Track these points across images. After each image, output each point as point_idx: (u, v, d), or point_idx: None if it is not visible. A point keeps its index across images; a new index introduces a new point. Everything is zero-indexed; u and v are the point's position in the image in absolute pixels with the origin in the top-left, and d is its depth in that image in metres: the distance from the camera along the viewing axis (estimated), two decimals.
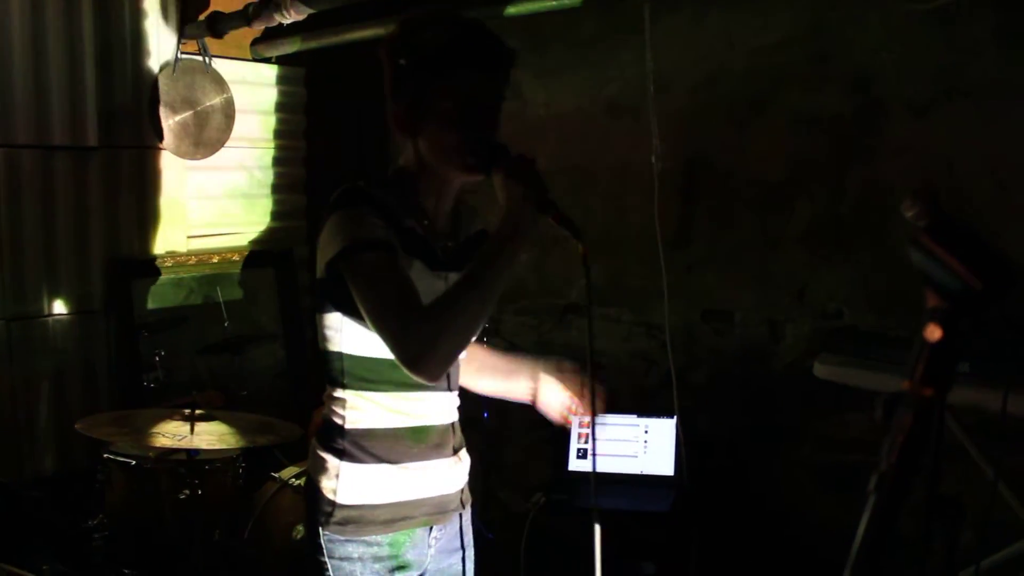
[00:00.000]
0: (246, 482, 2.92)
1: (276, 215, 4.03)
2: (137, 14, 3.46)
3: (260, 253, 3.95)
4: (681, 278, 3.36)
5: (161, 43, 3.53)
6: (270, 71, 3.95)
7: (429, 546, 1.72)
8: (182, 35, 3.55)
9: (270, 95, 3.97)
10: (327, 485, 1.65)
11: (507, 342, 1.58)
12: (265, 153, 3.99)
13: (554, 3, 2.92)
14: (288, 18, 3.18)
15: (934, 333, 0.76)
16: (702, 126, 3.40)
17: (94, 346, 3.39)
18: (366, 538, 1.64)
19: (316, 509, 1.66)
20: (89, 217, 3.36)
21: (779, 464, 3.31)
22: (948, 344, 0.76)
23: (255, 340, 3.86)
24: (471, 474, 1.82)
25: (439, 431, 1.71)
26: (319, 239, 1.59)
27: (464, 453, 1.80)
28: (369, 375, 1.62)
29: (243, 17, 3.33)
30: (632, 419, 3.26)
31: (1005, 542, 2.49)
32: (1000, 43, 2.82)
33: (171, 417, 2.64)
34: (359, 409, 1.64)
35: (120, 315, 3.44)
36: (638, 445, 3.24)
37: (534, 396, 1.83)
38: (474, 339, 1.56)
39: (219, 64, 3.70)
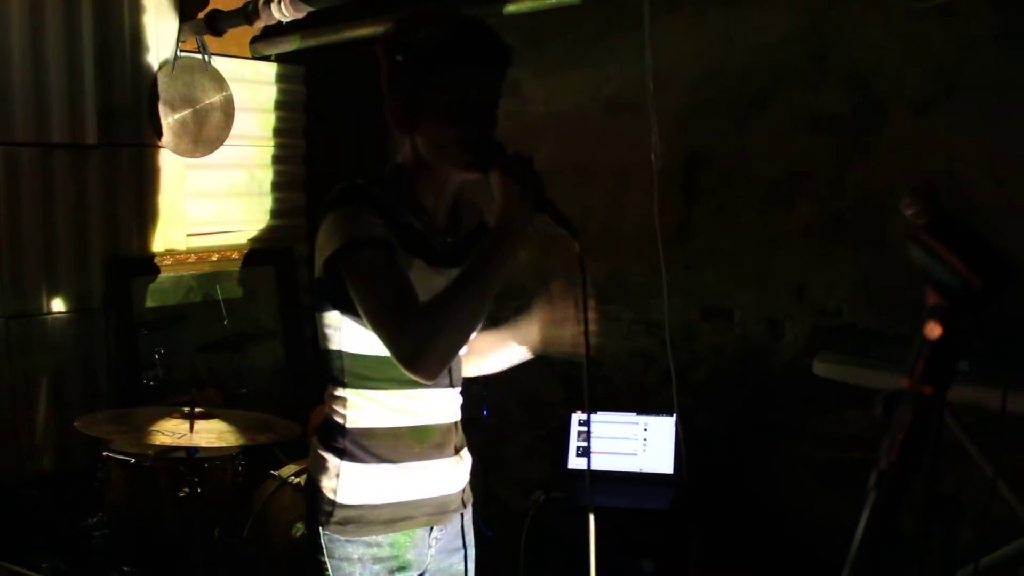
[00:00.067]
0: (245, 480, 2.92)
1: (275, 213, 4.03)
2: (136, 12, 3.45)
3: (259, 251, 3.94)
4: (681, 276, 3.36)
5: (160, 41, 3.52)
6: (269, 69, 3.95)
7: (430, 546, 1.71)
8: (181, 33, 3.54)
9: (269, 93, 3.96)
10: (327, 485, 1.64)
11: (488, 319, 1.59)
12: (264, 151, 3.98)
13: (554, 1, 2.92)
14: (287, 16, 3.17)
15: (934, 330, 0.76)
16: (702, 124, 3.40)
17: (93, 344, 3.39)
18: (366, 538, 1.63)
19: (316, 509, 1.65)
20: (88, 215, 3.36)
21: (778, 462, 3.31)
22: (948, 342, 0.76)
23: (254, 338, 3.86)
24: (471, 472, 1.82)
25: (441, 430, 1.70)
26: (317, 237, 1.59)
27: (466, 452, 1.79)
28: (370, 373, 1.62)
29: (242, 15, 3.32)
30: (632, 417, 3.26)
31: (1004, 540, 2.49)
32: (1000, 41, 2.82)
33: (170, 415, 2.64)
34: (360, 408, 1.64)
35: (119, 313, 3.44)
36: (638, 443, 3.24)
37: (533, 346, 1.79)
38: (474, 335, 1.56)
39: (218, 62, 3.70)
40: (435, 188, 1.66)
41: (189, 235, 3.71)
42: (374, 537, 1.64)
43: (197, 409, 2.64)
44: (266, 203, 4.00)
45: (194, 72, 3.60)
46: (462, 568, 1.79)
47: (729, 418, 3.41)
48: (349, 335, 1.61)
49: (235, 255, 3.84)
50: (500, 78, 1.61)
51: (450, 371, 1.69)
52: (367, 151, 3.94)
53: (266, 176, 4.00)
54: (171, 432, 2.53)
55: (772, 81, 3.25)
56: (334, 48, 3.54)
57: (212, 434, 2.56)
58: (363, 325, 1.55)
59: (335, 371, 1.65)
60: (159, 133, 3.50)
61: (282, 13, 3.16)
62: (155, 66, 3.51)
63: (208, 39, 3.60)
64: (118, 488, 2.82)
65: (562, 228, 1.53)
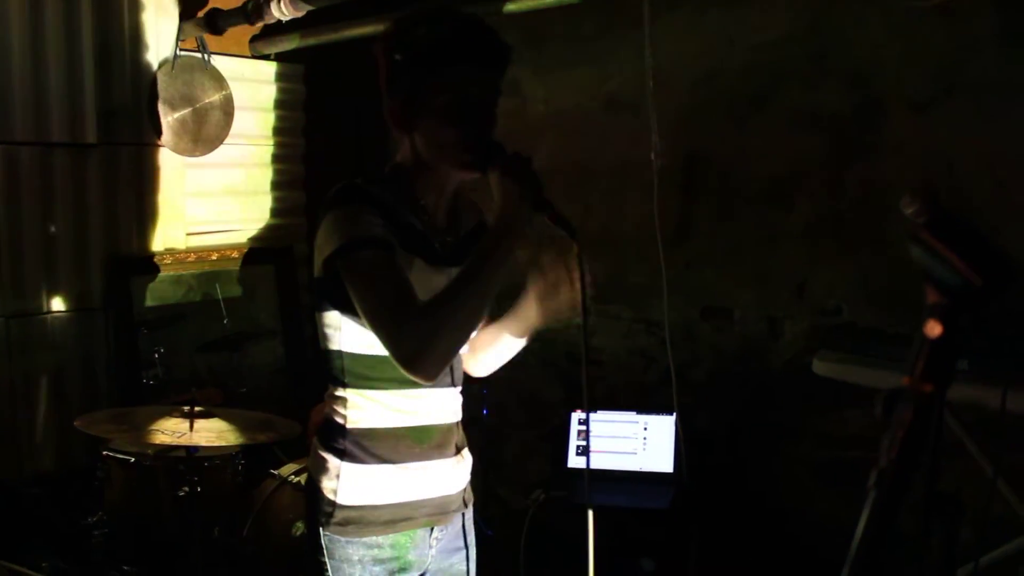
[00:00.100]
0: (245, 479, 2.92)
1: (275, 212, 4.03)
2: (136, 11, 3.45)
3: (259, 250, 3.94)
4: (680, 275, 3.36)
5: (160, 40, 3.52)
6: (269, 68, 3.95)
7: (430, 547, 1.71)
8: (181, 32, 3.54)
9: (269, 92, 3.96)
10: (328, 485, 1.64)
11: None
12: (264, 150, 3.98)
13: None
14: (287, 15, 3.17)
15: (934, 329, 0.76)
16: (702, 123, 3.40)
17: (93, 343, 3.39)
18: (366, 539, 1.63)
19: (317, 509, 1.65)
20: (88, 214, 3.36)
21: (778, 461, 3.31)
22: (948, 340, 0.76)
23: (254, 337, 3.86)
24: (471, 472, 1.81)
25: (441, 430, 1.70)
26: (316, 237, 1.59)
27: (466, 452, 1.79)
28: (370, 373, 1.62)
29: (242, 14, 3.32)
30: (631, 416, 3.26)
31: (1004, 539, 2.49)
32: (1000, 41, 2.82)
33: (170, 414, 2.64)
34: (360, 408, 1.64)
35: (119, 312, 3.44)
36: (637, 442, 3.24)
37: (535, 323, 1.72)
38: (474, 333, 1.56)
39: (218, 61, 3.70)
40: (435, 187, 1.66)
41: (189, 234, 3.71)
42: (374, 538, 1.64)
43: (197, 408, 2.64)
44: (266, 202, 4.00)
45: (194, 71, 3.60)
46: (463, 568, 1.79)
47: (729, 417, 3.41)
48: (349, 335, 1.60)
49: (235, 254, 3.84)
50: (499, 77, 1.61)
51: (451, 370, 1.69)
52: (367, 150, 3.94)
53: (266, 175, 4.00)
54: (171, 431, 2.53)
55: (772, 80, 3.24)
56: (333, 47, 3.54)
57: (212, 433, 2.56)
58: (363, 325, 1.55)
59: (335, 371, 1.65)
60: (159, 132, 3.50)
61: (281, 12, 3.16)
62: (155, 65, 3.51)
63: (208, 38, 3.60)
64: (118, 487, 2.82)
65: (561, 229, 1.53)
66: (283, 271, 4.01)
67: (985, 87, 2.84)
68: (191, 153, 3.62)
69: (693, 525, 3.04)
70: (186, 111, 3.57)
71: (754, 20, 3.26)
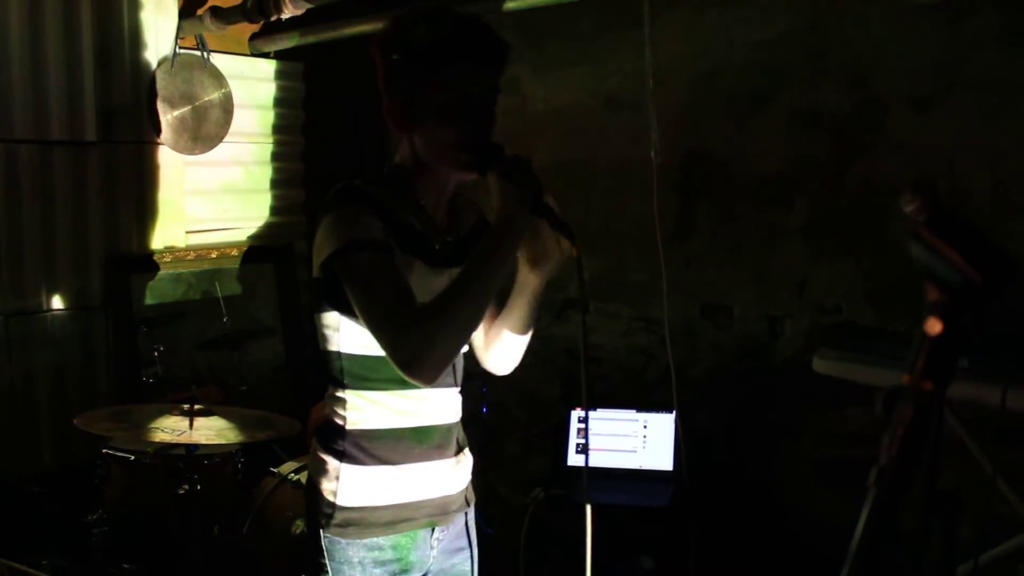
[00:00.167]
0: (245, 477, 2.92)
1: (275, 210, 4.03)
2: (135, 9, 3.45)
3: (259, 248, 3.94)
4: (680, 273, 3.36)
5: (159, 38, 3.52)
6: (268, 66, 3.95)
7: (432, 547, 1.70)
8: (180, 30, 3.54)
9: (268, 90, 3.96)
10: (327, 487, 1.63)
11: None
12: (263, 148, 3.98)
13: None
14: (286, 13, 3.17)
15: (934, 327, 0.76)
16: (701, 121, 3.40)
17: (93, 341, 3.39)
18: (367, 541, 1.62)
19: (316, 511, 1.64)
20: (88, 212, 3.36)
21: (778, 459, 3.32)
22: (949, 338, 0.76)
23: (254, 335, 3.86)
24: (472, 471, 1.81)
25: (442, 431, 1.69)
26: (315, 238, 1.58)
27: (467, 452, 1.78)
28: (369, 374, 1.61)
29: (241, 12, 3.32)
30: (631, 414, 3.26)
31: (1004, 537, 2.49)
32: (1000, 39, 2.81)
33: (170, 412, 2.64)
34: (360, 409, 1.63)
35: (119, 310, 3.44)
36: (637, 440, 3.24)
37: (537, 278, 1.64)
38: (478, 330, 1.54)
39: (217, 59, 3.70)
40: (434, 188, 1.65)
41: (188, 232, 3.71)
42: (375, 539, 1.63)
43: (197, 406, 2.64)
44: (265, 200, 4.00)
45: (193, 69, 3.60)
46: (466, 568, 1.78)
47: (729, 415, 3.41)
48: (347, 336, 1.60)
49: (234, 252, 3.84)
50: (498, 76, 1.60)
51: (453, 370, 1.68)
52: (366, 147, 3.94)
53: (265, 173, 4.00)
54: (171, 429, 2.53)
55: (772, 79, 3.24)
56: (333, 45, 3.54)
57: (212, 431, 2.56)
58: (362, 326, 1.54)
59: (334, 372, 1.64)
60: (158, 130, 3.50)
61: (281, 10, 3.15)
62: (154, 63, 3.51)
63: (207, 36, 3.60)
64: (118, 485, 2.82)
65: (560, 232, 1.52)
66: (283, 269, 4.01)
67: (985, 85, 2.83)
68: (190, 151, 3.62)
69: (693, 523, 3.04)
70: (185, 109, 3.57)
71: (754, 18, 3.26)
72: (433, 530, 1.70)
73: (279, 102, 4.00)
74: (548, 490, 3.07)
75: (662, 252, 3.06)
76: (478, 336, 1.76)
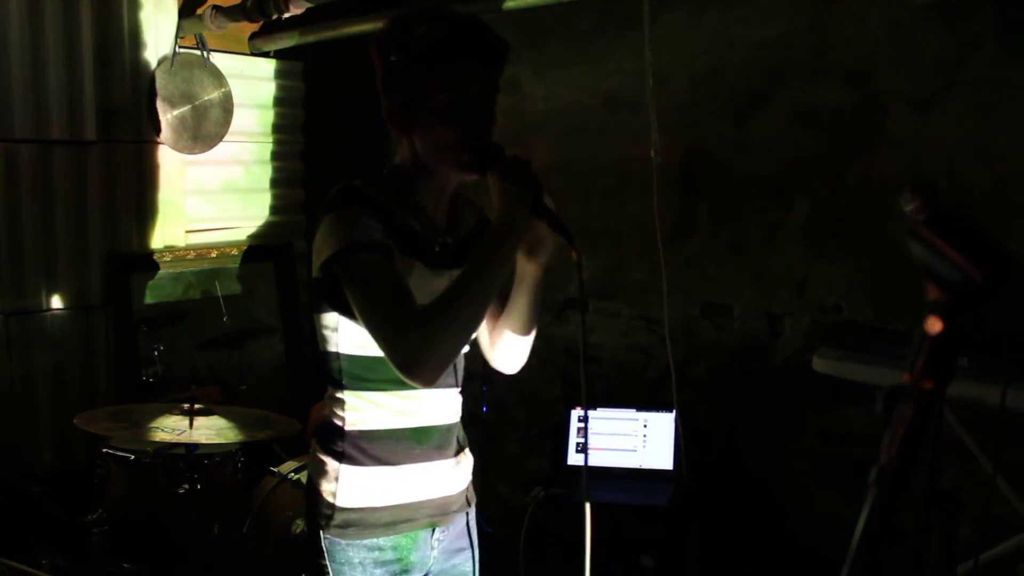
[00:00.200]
0: (245, 477, 2.92)
1: (274, 209, 4.03)
2: (135, 8, 3.45)
3: (259, 247, 3.94)
4: (680, 272, 3.36)
5: (159, 37, 3.52)
6: (268, 65, 3.94)
7: (432, 548, 1.70)
8: (180, 29, 3.54)
9: (268, 89, 3.96)
10: (326, 488, 1.63)
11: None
12: (263, 147, 3.98)
13: None
14: (286, 12, 3.17)
15: (935, 326, 0.76)
16: (701, 120, 3.40)
17: (93, 341, 3.39)
18: (367, 541, 1.62)
19: (316, 512, 1.64)
20: (87, 212, 3.36)
21: (778, 458, 3.32)
22: (949, 337, 0.76)
23: (254, 334, 3.86)
24: (472, 471, 1.81)
25: (441, 431, 1.69)
26: (315, 239, 1.57)
27: (467, 452, 1.78)
28: (367, 375, 1.60)
29: (241, 11, 3.32)
30: (631, 413, 3.26)
31: (1003, 536, 2.49)
32: (1000, 38, 2.81)
33: (170, 412, 2.64)
34: (359, 410, 1.63)
35: (119, 310, 3.44)
36: (637, 439, 3.24)
37: (536, 267, 1.64)
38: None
39: (217, 58, 3.70)
40: (434, 189, 1.65)
41: (188, 231, 3.71)
42: (375, 540, 1.62)
43: (197, 406, 2.64)
44: (265, 199, 4.00)
45: (193, 68, 3.60)
46: (467, 569, 1.77)
47: (729, 415, 3.41)
48: (346, 336, 1.59)
49: (234, 251, 3.84)
50: (497, 75, 1.60)
51: (454, 370, 1.67)
52: (366, 147, 3.94)
53: (265, 172, 4.00)
54: (171, 429, 2.53)
55: (772, 78, 3.24)
56: (333, 44, 3.54)
57: (212, 431, 2.56)
58: (360, 326, 1.54)
59: (333, 373, 1.64)
60: (158, 129, 3.50)
61: (281, 9, 3.15)
62: (154, 62, 3.51)
63: (207, 35, 3.60)
64: (118, 485, 2.82)
65: (559, 234, 1.52)
66: (282, 268, 4.01)
67: (985, 84, 2.83)
68: (190, 150, 3.62)
69: (693, 522, 3.04)
70: (185, 108, 3.56)
71: (754, 17, 3.26)
72: (434, 530, 1.70)
73: (279, 101, 4.00)
74: (548, 489, 3.07)
75: (662, 251, 3.06)
76: (484, 336, 1.76)
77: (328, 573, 1.63)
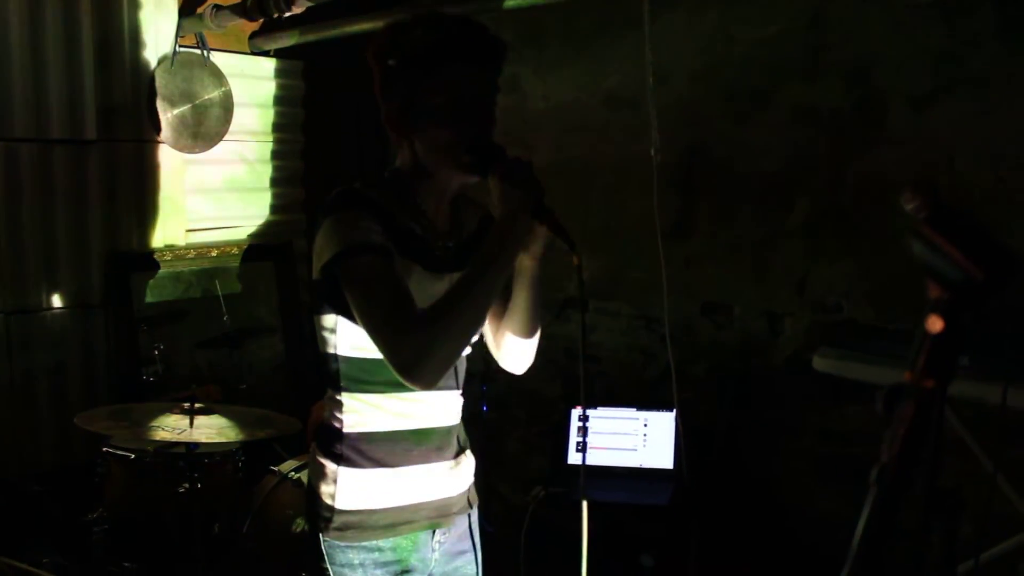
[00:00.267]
0: (245, 476, 2.92)
1: (275, 208, 4.02)
2: (135, 7, 3.45)
3: (259, 247, 3.94)
4: (680, 271, 3.36)
5: (159, 36, 3.52)
6: (268, 64, 3.94)
7: (433, 550, 1.69)
8: (180, 28, 3.54)
9: (268, 88, 3.96)
10: (325, 490, 1.63)
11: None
12: (263, 146, 3.98)
13: None
14: (286, 11, 3.17)
15: (936, 324, 0.76)
16: (701, 119, 3.40)
17: (93, 340, 3.39)
18: (367, 543, 1.62)
19: (316, 515, 1.64)
20: (88, 211, 3.35)
21: (778, 457, 3.31)
22: (950, 336, 0.76)
23: (254, 334, 3.86)
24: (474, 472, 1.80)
25: (441, 433, 1.68)
26: (315, 242, 1.57)
27: (468, 454, 1.77)
28: (366, 377, 1.60)
29: (241, 10, 3.32)
30: (631, 412, 3.26)
31: (1004, 535, 2.49)
32: (1000, 36, 2.81)
33: (170, 411, 2.64)
34: (357, 412, 1.62)
35: (119, 309, 3.44)
36: (637, 438, 3.24)
37: (533, 261, 1.64)
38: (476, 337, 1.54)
39: (217, 57, 3.69)
40: (435, 192, 1.64)
41: (188, 231, 3.71)
42: (375, 542, 1.62)
43: (197, 405, 2.64)
44: (265, 198, 4.00)
45: (193, 67, 3.60)
46: (470, 571, 1.77)
47: (729, 414, 3.41)
48: (345, 338, 1.59)
49: (234, 250, 3.84)
50: (496, 75, 1.59)
51: (455, 372, 1.67)
52: (366, 146, 3.94)
53: (265, 171, 3.99)
54: (171, 428, 2.53)
55: (772, 76, 3.24)
56: (333, 43, 3.53)
57: (212, 430, 2.56)
58: (359, 328, 1.54)
59: (332, 374, 1.64)
60: (158, 129, 3.50)
61: (281, 8, 3.15)
62: (154, 62, 3.51)
63: (207, 34, 3.60)
64: (118, 484, 2.82)
65: (560, 238, 1.51)
66: (283, 267, 4.01)
67: (985, 82, 2.83)
68: (190, 149, 3.62)
69: (693, 521, 3.04)
70: (185, 107, 3.56)
71: (754, 16, 3.26)
72: (434, 532, 1.69)
73: (279, 100, 4.00)
74: (548, 488, 3.07)
75: (662, 250, 3.06)
76: (489, 338, 1.75)
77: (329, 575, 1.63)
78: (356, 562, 1.61)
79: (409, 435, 1.64)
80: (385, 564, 1.63)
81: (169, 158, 3.60)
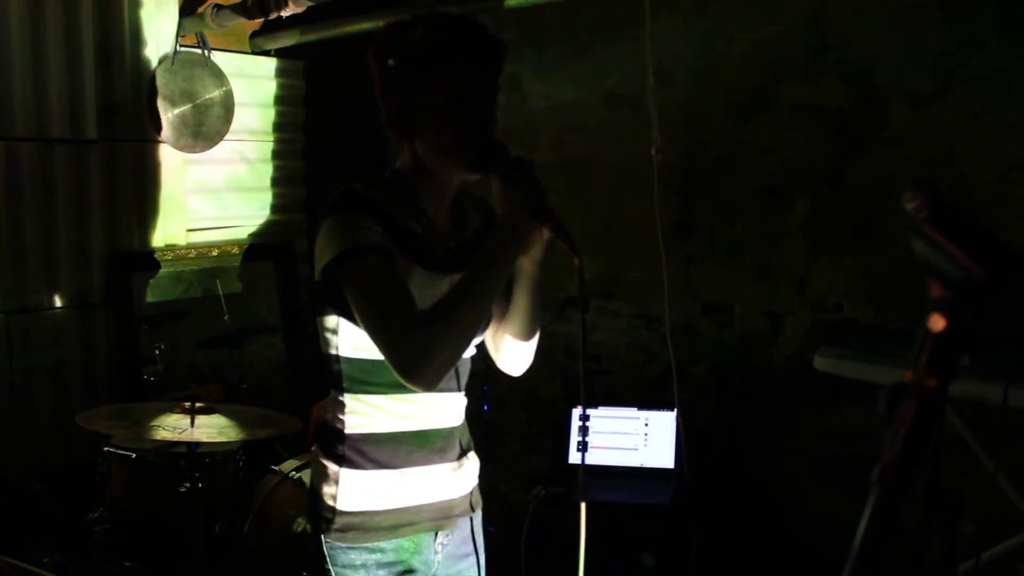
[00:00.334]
0: (246, 475, 2.92)
1: (275, 208, 4.02)
2: (136, 7, 3.45)
3: (259, 246, 3.94)
4: (681, 270, 3.36)
5: (160, 36, 3.52)
6: (269, 64, 3.94)
7: (436, 552, 1.69)
8: (181, 28, 3.54)
9: (269, 88, 3.96)
10: (327, 491, 1.62)
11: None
12: (264, 146, 3.98)
13: None
14: (287, 11, 3.17)
15: (938, 323, 0.76)
16: (702, 118, 3.40)
17: (94, 339, 3.39)
18: (369, 544, 1.61)
19: (318, 516, 1.63)
20: (88, 210, 3.36)
21: (779, 457, 3.31)
22: (952, 335, 0.76)
23: (255, 333, 3.86)
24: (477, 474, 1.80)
25: (443, 435, 1.67)
26: (316, 243, 1.57)
27: (471, 456, 1.76)
28: (368, 378, 1.60)
29: (242, 9, 3.32)
30: (632, 412, 3.26)
31: (1005, 534, 2.49)
32: (1001, 35, 2.81)
33: (171, 410, 2.64)
34: (359, 413, 1.62)
35: (120, 308, 3.44)
36: (638, 438, 3.24)
37: (533, 256, 1.62)
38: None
39: (218, 57, 3.70)
40: (436, 192, 1.64)
41: (189, 230, 3.71)
42: (377, 543, 1.62)
43: (198, 404, 2.64)
44: (266, 198, 4.00)
45: (194, 67, 3.60)
46: (472, 574, 1.76)
47: (729, 413, 3.41)
48: (346, 339, 1.58)
49: (235, 250, 3.84)
50: (496, 74, 1.59)
51: (457, 374, 1.66)
52: (367, 145, 3.94)
53: (266, 171, 3.99)
54: (172, 427, 2.53)
55: (773, 75, 3.24)
56: (333, 43, 3.53)
57: (213, 429, 2.56)
58: (361, 329, 1.53)
59: (334, 375, 1.63)
60: (159, 128, 3.50)
61: (281, 8, 3.15)
62: (155, 61, 3.51)
63: (208, 34, 3.60)
64: (119, 483, 2.82)
65: (561, 239, 1.51)
66: (283, 267, 4.01)
67: (986, 81, 2.83)
68: (191, 149, 3.62)
69: (693, 521, 3.04)
70: (186, 107, 3.56)
71: (754, 16, 3.25)
72: (436, 535, 1.69)
73: (280, 100, 4.00)
74: (549, 488, 3.07)
75: (663, 250, 3.06)
76: (488, 339, 1.75)
77: None
78: (358, 563, 1.61)
79: (411, 436, 1.63)
80: (387, 565, 1.62)
81: (170, 158, 3.60)
